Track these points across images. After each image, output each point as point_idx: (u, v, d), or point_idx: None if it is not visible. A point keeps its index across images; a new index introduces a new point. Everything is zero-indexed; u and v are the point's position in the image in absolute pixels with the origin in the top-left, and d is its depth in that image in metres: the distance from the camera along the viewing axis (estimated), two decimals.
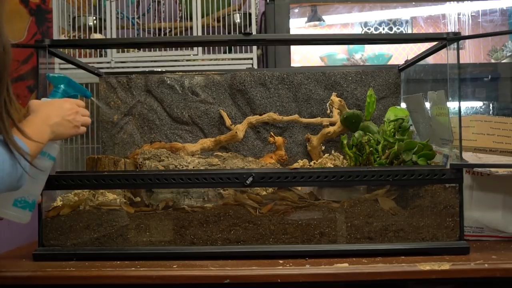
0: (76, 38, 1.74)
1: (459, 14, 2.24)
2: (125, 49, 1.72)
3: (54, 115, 0.91)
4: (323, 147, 1.46)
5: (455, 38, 1.09)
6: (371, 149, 1.18)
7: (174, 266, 1.00)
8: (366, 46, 2.40)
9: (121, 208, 1.11)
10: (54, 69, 1.63)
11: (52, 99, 0.98)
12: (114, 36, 1.70)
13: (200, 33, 1.71)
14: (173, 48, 1.71)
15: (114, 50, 1.70)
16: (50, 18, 1.93)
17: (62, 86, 1.01)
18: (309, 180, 1.08)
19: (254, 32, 1.69)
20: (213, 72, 1.54)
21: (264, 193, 1.18)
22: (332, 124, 1.41)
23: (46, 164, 0.97)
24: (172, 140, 1.51)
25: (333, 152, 1.42)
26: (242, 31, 1.77)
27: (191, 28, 1.74)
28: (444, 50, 1.13)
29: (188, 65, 1.69)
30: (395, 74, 1.51)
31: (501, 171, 1.18)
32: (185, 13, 1.84)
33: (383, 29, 2.43)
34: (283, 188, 1.14)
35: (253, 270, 0.97)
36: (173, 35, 1.82)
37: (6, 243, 0.92)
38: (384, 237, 1.08)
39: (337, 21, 2.36)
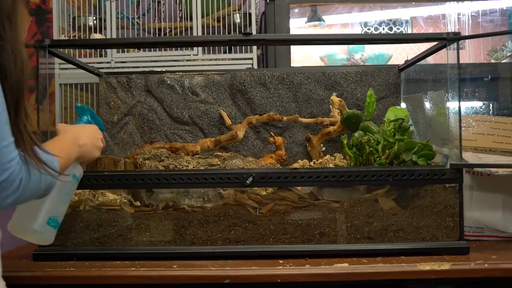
0: (76, 38, 1.74)
1: (459, 14, 2.24)
2: (125, 49, 1.72)
3: (84, 137, 0.96)
4: (323, 148, 1.46)
5: (455, 38, 1.09)
6: (371, 149, 1.18)
7: (174, 266, 1.00)
8: (366, 46, 2.39)
9: (121, 208, 1.11)
10: (54, 69, 1.63)
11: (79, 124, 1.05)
12: (114, 36, 1.70)
13: (200, 33, 1.71)
14: (173, 48, 1.71)
15: (114, 50, 1.70)
16: (50, 18, 1.93)
17: (87, 116, 1.07)
18: (309, 180, 1.08)
19: (254, 32, 1.69)
20: (213, 72, 1.54)
21: (264, 193, 1.18)
22: (332, 124, 1.41)
23: (72, 185, 1.01)
24: (172, 140, 1.51)
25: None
26: (242, 31, 1.77)
27: (191, 28, 1.74)
28: (444, 50, 1.13)
29: (188, 65, 1.69)
30: (395, 74, 1.51)
31: (501, 171, 1.18)
32: (185, 13, 1.84)
33: (383, 29, 2.43)
34: (283, 188, 1.14)
35: (253, 270, 0.97)
36: (173, 35, 1.82)
37: (6, 243, 0.92)
38: (384, 237, 1.08)
39: (337, 21, 2.36)
